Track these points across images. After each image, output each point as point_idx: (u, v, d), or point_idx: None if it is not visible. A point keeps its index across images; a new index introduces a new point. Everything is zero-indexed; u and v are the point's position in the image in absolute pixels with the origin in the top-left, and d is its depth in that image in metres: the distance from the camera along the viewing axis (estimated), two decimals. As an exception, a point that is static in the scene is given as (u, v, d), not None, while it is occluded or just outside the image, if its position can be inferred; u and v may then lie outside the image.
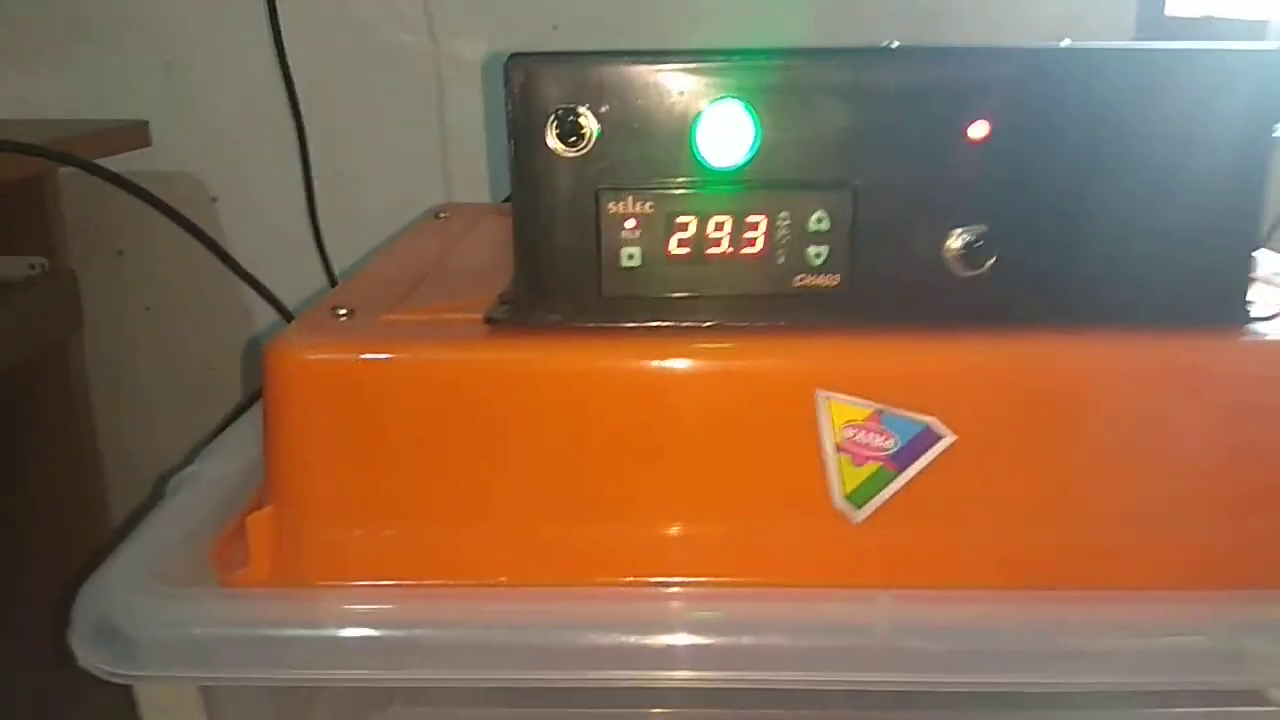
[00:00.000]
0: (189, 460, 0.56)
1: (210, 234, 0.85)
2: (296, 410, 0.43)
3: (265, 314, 0.93)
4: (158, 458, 0.99)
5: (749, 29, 0.87)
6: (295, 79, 0.89)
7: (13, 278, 0.86)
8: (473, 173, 0.92)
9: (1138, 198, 0.41)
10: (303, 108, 0.89)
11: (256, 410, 0.48)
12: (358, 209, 0.93)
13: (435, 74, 0.91)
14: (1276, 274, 0.50)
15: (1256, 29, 0.91)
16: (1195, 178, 0.41)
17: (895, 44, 0.46)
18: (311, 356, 0.43)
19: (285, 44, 0.87)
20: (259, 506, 0.46)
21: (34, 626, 0.61)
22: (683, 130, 0.40)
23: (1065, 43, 0.45)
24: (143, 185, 0.82)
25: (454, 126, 0.92)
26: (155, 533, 0.47)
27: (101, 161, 0.83)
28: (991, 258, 0.41)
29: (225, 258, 0.85)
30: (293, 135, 0.90)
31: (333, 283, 0.93)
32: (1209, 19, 0.94)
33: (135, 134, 0.91)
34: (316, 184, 0.92)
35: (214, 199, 0.95)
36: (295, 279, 0.92)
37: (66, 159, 0.79)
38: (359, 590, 0.42)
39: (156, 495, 0.53)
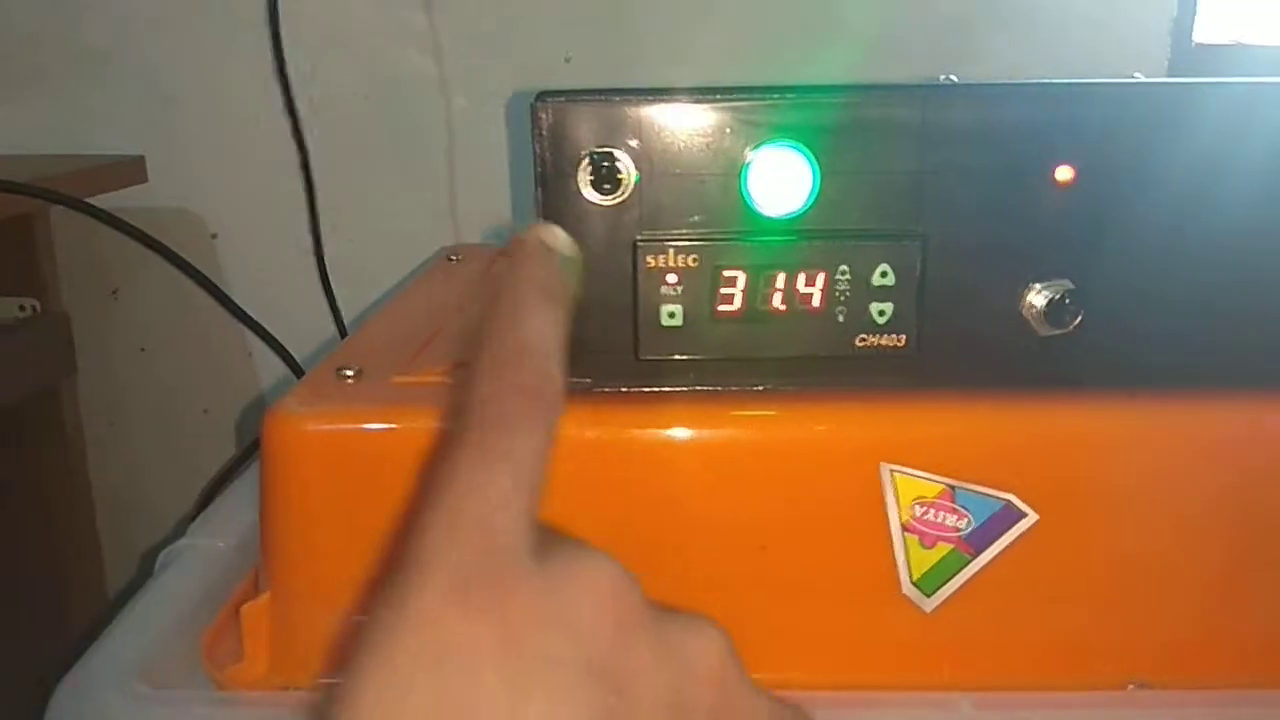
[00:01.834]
0: (182, 528, 0.52)
1: (210, 273, 0.81)
2: (298, 486, 0.38)
3: (266, 356, 0.89)
4: (154, 507, 0.95)
5: (754, 61, 0.84)
6: (299, 110, 0.85)
7: (2, 320, 0.82)
8: (480, 211, 0.89)
9: (1242, 247, 0.37)
10: (307, 139, 0.85)
11: (254, 472, 0.43)
12: (366, 246, 0.90)
13: (444, 106, 0.87)
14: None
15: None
16: (1311, 226, 0.36)
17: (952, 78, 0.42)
18: (314, 427, 0.38)
19: (289, 74, 0.84)
20: (255, 587, 0.41)
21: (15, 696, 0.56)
22: (731, 175, 0.36)
23: (1138, 77, 0.41)
24: (139, 222, 0.79)
25: (462, 163, 0.88)
26: (140, 620, 0.43)
27: (97, 198, 0.79)
28: (1077, 315, 0.37)
29: (223, 299, 0.81)
30: (297, 169, 0.87)
31: (339, 323, 0.89)
32: (1238, 46, 0.91)
33: (131, 169, 0.87)
34: (322, 219, 0.88)
35: (214, 236, 0.91)
36: (300, 318, 0.88)
37: (54, 196, 0.75)
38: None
39: (145, 571, 0.49)
